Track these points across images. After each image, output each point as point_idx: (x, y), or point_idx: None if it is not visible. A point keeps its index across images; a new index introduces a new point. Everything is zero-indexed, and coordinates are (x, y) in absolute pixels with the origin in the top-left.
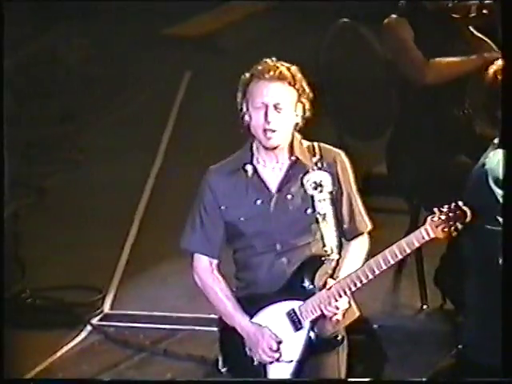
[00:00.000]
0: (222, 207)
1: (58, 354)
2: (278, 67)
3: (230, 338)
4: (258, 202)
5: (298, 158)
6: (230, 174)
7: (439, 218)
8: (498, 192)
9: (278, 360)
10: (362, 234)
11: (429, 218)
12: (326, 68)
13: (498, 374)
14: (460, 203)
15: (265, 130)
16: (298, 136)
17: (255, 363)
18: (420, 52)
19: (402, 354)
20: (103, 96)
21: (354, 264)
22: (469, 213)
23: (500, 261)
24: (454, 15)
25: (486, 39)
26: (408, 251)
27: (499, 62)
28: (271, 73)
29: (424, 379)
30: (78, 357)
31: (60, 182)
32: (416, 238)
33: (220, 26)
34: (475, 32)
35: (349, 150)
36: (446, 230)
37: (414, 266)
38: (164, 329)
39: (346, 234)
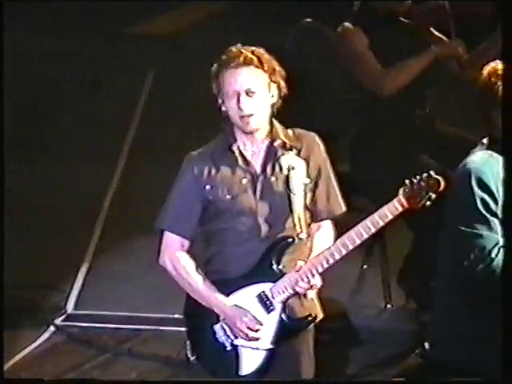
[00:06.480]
0: (207, 187)
1: (22, 354)
2: (241, 52)
3: (197, 324)
4: (244, 180)
5: (275, 141)
6: (214, 156)
7: (411, 189)
8: (479, 194)
9: (255, 340)
10: (333, 216)
11: (401, 189)
12: (289, 68)
13: (464, 371)
14: (432, 172)
15: (242, 117)
16: (275, 121)
17: (228, 348)
18: (376, 63)
19: (366, 354)
20: (66, 95)
21: (323, 246)
22: (442, 182)
23: (465, 262)
24: (405, 19)
25: (444, 38)
26: (381, 224)
27: (496, 64)
28: (236, 60)
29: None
30: (42, 357)
31: (23, 181)
32: (389, 210)
33: (184, 25)
34: (434, 31)
35: None
36: (418, 200)
37: (378, 266)
38: (128, 329)
39: (318, 215)
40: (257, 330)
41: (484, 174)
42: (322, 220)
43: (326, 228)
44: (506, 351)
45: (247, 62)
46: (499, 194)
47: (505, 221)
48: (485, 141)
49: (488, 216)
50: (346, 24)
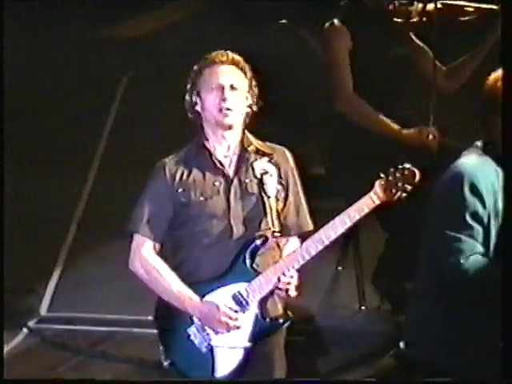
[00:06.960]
0: (179, 189)
1: None
2: (228, 54)
3: (170, 328)
4: (217, 183)
5: (248, 146)
6: (187, 159)
7: (387, 181)
8: (470, 200)
9: (236, 329)
10: (301, 233)
11: (377, 182)
12: (264, 69)
13: (439, 371)
14: (407, 165)
15: (220, 110)
16: (247, 132)
17: (203, 351)
18: (350, 79)
19: (341, 355)
20: (39, 98)
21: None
22: (417, 173)
23: (441, 264)
24: (394, 18)
25: (425, 46)
26: (357, 217)
27: (499, 72)
28: (224, 57)
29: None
30: (15, 360)
31: None
32: (365, 204)
33: (160, 27)
34: (414, 38)
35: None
36: (394, 191)
37: (352, 267)
38: (102, 331)
39: (287, 231)
40: (236, 319)
41: (477, 179)
42: (291, 236)
43: (294, 243)
44: (505, 352)
45: (235, 62)
46: (489, 200)
47: (502, 226)
48: (479, 144)
49: (472, 223)
50: (335, 20)
